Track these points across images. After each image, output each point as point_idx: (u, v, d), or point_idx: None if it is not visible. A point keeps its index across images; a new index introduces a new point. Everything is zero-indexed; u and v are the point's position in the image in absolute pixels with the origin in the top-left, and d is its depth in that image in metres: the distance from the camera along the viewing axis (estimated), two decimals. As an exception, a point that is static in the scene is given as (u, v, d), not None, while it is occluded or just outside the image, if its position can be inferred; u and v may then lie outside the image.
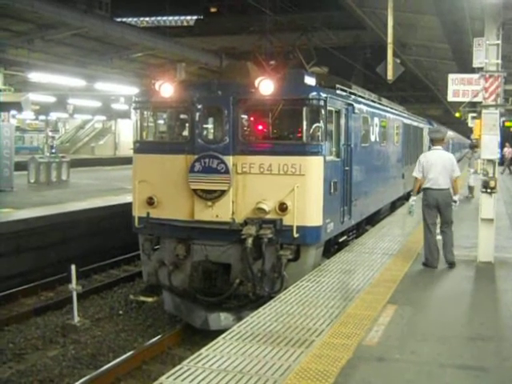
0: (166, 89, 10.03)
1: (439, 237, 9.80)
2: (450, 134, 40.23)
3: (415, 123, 21.34)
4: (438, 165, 9.55)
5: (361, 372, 5.34)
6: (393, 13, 11.19)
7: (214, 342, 6.01)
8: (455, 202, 9.71)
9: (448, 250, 9.77)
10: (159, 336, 10.19)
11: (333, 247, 11.10)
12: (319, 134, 9.65)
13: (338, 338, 6.17)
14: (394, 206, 17.71)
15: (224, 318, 9.77)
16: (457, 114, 39.05)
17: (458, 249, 10.85)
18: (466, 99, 10.05)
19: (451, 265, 9.65)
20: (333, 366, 5.42)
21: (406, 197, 19.42)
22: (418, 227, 12.03)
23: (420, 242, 10.68)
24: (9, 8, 14.57)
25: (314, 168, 9.53)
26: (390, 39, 11.54)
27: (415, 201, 10.08)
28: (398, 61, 14.19)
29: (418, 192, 10.14)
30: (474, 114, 19.56)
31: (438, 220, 9.83)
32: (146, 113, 10.83)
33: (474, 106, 14.77)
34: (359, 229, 13.07)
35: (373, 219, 14.44)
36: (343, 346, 5.92)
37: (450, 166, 9.62)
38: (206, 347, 5.86)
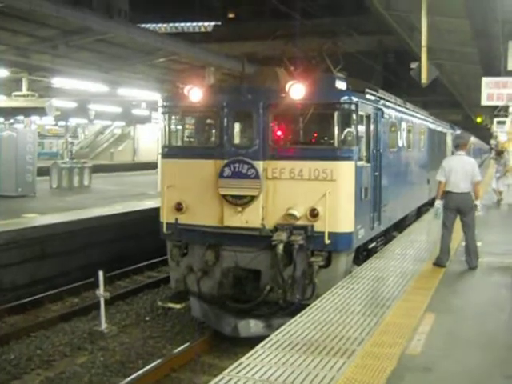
0: (196, 93, 9.94)
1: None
2: (472, 139, 39.84)
3: (439, 128, 21.09)
4: (459, 169, 9.70)
5: (408, 383, 5.17)
6: (427, 15, 11.05)
7: (253, 351, 5.86)
8: (476, 206, 9.81)
9: (469, 253, 9.85)
10: (188, 343, 10.06)
11: (362, 254, 10.94)
12: (351, 138, 9.52)
13: (380, 348, 6.01)
14: (419, 212, 17.47)
15: (254, 324, 9.63)
16: (477, 120, 38.70)
17: (490, 255, 10.72)
18: (501, 103, 9.90)
19: (472, 269, 9.79)
20: (378, 376, 5.26)
21: (430, 203, 19.13)
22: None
23: (452, 250, 10.50)
24: (34, 14, 14.55)
25: (345, 173, 9.39)
26: (424, 42, 11.43)
27: (440, 204, 9.99)
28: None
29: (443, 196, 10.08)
30: (504, 119, 19.36)
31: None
32: (174, 117, 10.75)
33: (506, 111, 14.60)
34: (387, 235, 12.89)
35: (400, 225, 14.24)
36: (386, 356, 5.76)
37: (471, 170, 9.73)
38: (246, 356, 5.72)
